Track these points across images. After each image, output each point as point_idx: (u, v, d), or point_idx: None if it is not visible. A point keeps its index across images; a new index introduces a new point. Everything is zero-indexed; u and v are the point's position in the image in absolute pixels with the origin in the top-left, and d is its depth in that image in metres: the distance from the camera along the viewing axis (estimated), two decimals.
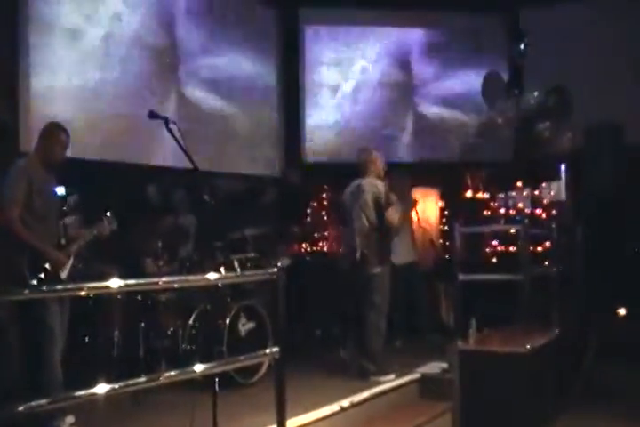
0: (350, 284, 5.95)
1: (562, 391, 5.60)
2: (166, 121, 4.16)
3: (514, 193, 8.52)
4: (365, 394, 5.06)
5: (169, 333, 5.53)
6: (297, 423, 4.22)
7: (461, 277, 5.85)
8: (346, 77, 9.62)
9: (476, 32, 9.76)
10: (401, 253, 6.86)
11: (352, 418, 4.81)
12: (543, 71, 8.80)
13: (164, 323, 5.55)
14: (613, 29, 8.73)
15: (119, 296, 5.39)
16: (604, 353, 6.14)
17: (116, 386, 2.77)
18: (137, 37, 7.41)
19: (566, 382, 5.69)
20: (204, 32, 8.23)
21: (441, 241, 8.17)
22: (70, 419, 4.16)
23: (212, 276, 3.70)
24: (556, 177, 8.33)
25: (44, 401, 2.54)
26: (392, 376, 5.60)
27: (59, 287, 3.60)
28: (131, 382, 2.87)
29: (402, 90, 9.75)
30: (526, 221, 6.83)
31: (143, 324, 5.36)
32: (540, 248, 7.32)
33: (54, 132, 4.49)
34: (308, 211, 8.89)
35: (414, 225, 7.43)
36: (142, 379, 2.98)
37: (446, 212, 8.72)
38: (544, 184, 8.40)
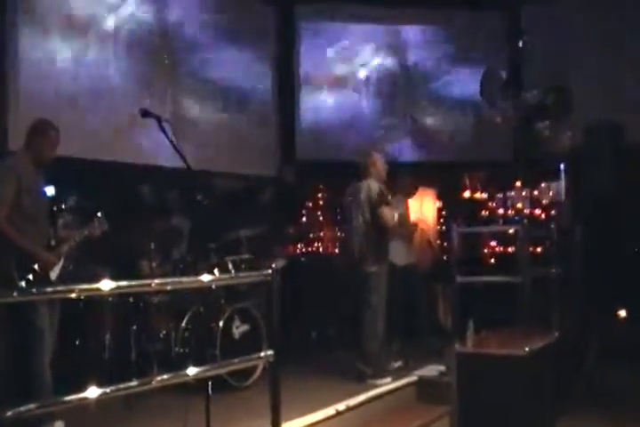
0: (347, 284, 5.96)
1: (561, 394, 5.60)
2: (158, 119, 4.15)
3: (512, 193, 8.52)
4: (361, 397, 5.05)
5: (161, 335, 5.51)
6: None
7: (459, 278, 5.85)
8: (343, 75, 9.61)
9: (475, 30, 9.76)
10: (401, 254, 6.87)
11: (348, 422, 4.80)
12: (542, 70, 8.80)
13: (157, 325, 5.54)
14: (614, 28, 8.74)
15: (110, 298, 5.37)
16: (604, 355, 6.14)
17: (108, 390, 2.75)
18: (131, 35, 7.40)
19: (566, 384, 5.68)
20: (200, 30, 8.22)
21: (438, 242, 8.16)
22: (60, 424, 4.14)
23: (205, 277, 3.68)
24: (556, 177, 8.34)
25: (32, 406, 2.52)
26: (389, 379, 5.60)
27: (48, 289, 3.59)
28: (122, 385, 2.85)
29: (399, 88, 9.74)
30: (525, 221, 6.83)
31: (135, 326, 5.34)
32: (539, 249, 7.32)
33: (43, 129, 4.45)
34: (304, 211, 8.88)
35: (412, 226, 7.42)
36: (134, 383, 2.96)
37: (444, 212, 8.71)
38: (543, 184, 8.41)
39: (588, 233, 6.89)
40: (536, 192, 8.36)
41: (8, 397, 4.05)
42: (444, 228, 8.38)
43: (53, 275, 4.32)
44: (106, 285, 2.83)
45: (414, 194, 7.41)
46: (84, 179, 6.53)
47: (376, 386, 5.41)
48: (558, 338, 5.67)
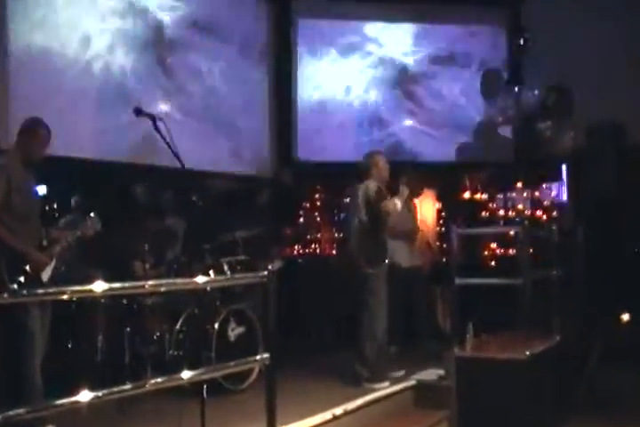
0: (344, 285, 5.97)
1: (563, 399, 5.59)
2: (153, 118, 4.14)
3: (513, 194, 8.53)
4: (359, 402, 5.04)
5: (155, 338, 5.50)
6: None
7: (458, 280, 5.84)
8: (340, 74, 9.60)
9: (475, 28, 9.77)
10: (404, 256, 6.88)
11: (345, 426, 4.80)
12: (544, 69, 8.81)
13: (151, 328, 5.52)
14: (615, 28, 8.75)
15: (103, 300, 5.36)
16: (607, 358, 6.13)
17: (100, 394, 2.74)
18: (124, 32, 7.39)
19: (567, 388, 5.67)
20: (194, 27, 8.21)
21: (438, 243, 8.16)
22: None
23: (200, 279, 3.67)
24: (557, 178, 8.34)
25: (22, 410, 2.50)
26: (386, 384, 5.58)
27: (40, 291, 3.57)
28: (115, 389, 2.84)
29: (398, 87, 9.74)
30: (526, 222, 6.83)
31: (128, 329, 5.32)
32: (539, 251, 7.31)
33: (34, 127, 4.43)
34: (301, 212, 8.88)
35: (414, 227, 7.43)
36: (127, 386, 2.95)
37: (443, 213, 8.71)
38: (544, 185, 8.41)
39: (590, 234, 6.89)
40: (537, 193, 8.36)
41: None
42: (443, 229, 8.38)
43: (45, 276, 4.30)
44: (98, 286, 2.82)
45: (420, 194, 7.43)
46: (76, 178, 6.53)
47: (374, 390, 5.40)
48: (559, 342, 5.66)
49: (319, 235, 8.86)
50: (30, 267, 4.21)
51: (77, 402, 2.64)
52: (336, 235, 8.82)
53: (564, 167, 8.56)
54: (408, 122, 9.69)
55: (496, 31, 9.81)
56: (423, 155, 9.54)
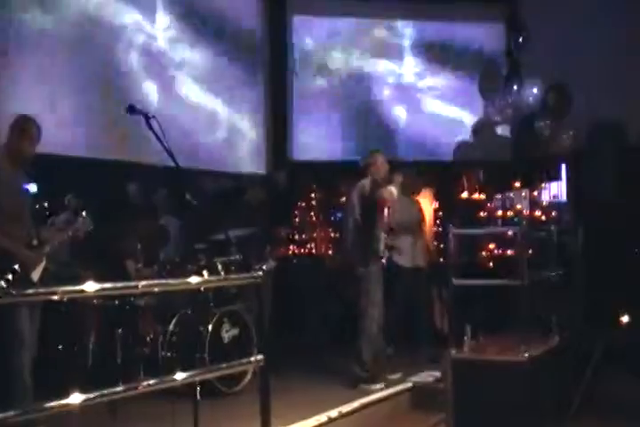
0: (340, 285, 6.01)
1: (562, 402, 5.59)
2: (146, 116, 4.13)
3: (512, 194, 8.52)
4: (355, 404, 5.05)
5: (148, 339, 5.51)
6: None
7: (455, 281, 5.84)
8: (336, 72, 9.60)
9: (473, 25, 9.78)
10: (407, 256, 6.90)
11: None
12: (543, 67, 8.81)
13: (143, 329, 5.52)
14: (615, 25, 8.76)
15: (95, 301, 5.35)
16: (606, 361, 6.14)
17: (92, 396, 2.73)
18: (116, 29, 7.37)
19: (566, 391, 5.68)
20: (187, 24, 8.20)
21: (435, 244, 8.16)
22: None
23: (193, 279, 3.67)
24: (556, 177, 8.34)
25: (12, 413, 2.49)
26: (382, 385, 5.60)
27: (30, 291, 3.56)
28: (107, 391, 2.84)
29: (395, 85, 9.74)
30: (524, 223, 6.83)
31: (120, 330, 5.31)
32: (537, 251, 7.32)
33: (24, 125, 4.41)
34: (296, 212, 8.88)
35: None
36: (119, 388, 2.95)
37: (441, 213, 8.71)
38: (543, 185, 8.41)
39: (590, 235, 6.90)
40: (536, 193, 8.36)
41: None
42: (440, 229, 8.38)
43: (35, 276, 4.29)
44: (90, 286, 2.82)
45: (420, 193, 7.46)
46: (68, 177, 6.52)
47: (369, 392, 5.40)
48: (559, 344, 5.66)
49: (315, 235, 8.86)
50: (20, 266, 4.19)
51: (68, 405, 2.63)
52: (332, 235, 8.83)
53: (563, 167, 8.57)
54: (406, 120, 9.69)
55: (495, 29, 9.82)
56: (420, 153, 9.55)
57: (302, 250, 8.74)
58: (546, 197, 8.43)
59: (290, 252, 8.55)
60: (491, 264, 8.39)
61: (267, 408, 3.41)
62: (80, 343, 5.34)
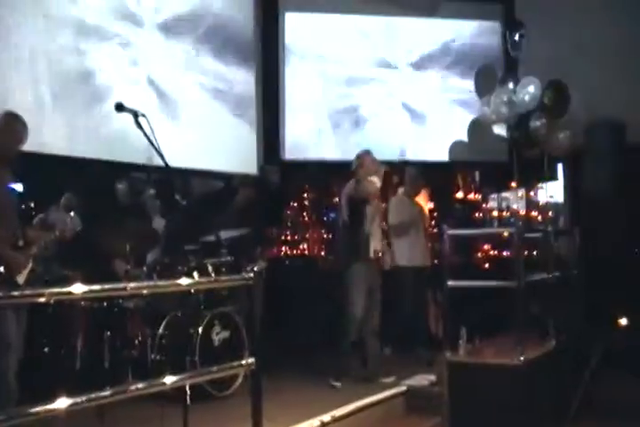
0: (331, 286, 6.10)
1: (559, 405, 5.60)
2: (135, 114, 4.11)
3: (508, 194, 8.53)
4: (348, 408, 5.05)
5: (137, 342, 5.49)
6: None
7: (450, 283, 5.84)
8: (330, 70, 9.59)
9: (470, 23, 9.79)
10: (407, 256, 6.91)
11: None
12: (540, 66, 8.82)
13: (132, 331, 5.51)
14: (614, 25, 8.78)
15: (82, 303, 5.33)
16: (604, 363, 6.15)
17: (79, 400, 2.71)
18: (108, 26, 7.35)
19: (564, 395, 5.69)
20: (178, 21, 8.18)
21: (430, 244, 8.16)
22: None
23: (183, 281, 3.66)
24: (553, 177, 8.36)
25: None
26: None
27: (16, 293, 3.53)
28: (94, 395, 2.82)
29: (390, 84, 9.74)
30: (521, 223, 6.84)
31: (109, 332, 5.29)
32: (535, 252, 7.34)
33: (9, 122, 4.38)
34: (288, 212, 8.88)
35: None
36: (107, 392, 2.93)
37: (436, 213, 8.72)
38: (540, 185, 8.43)
39: (588, 236, 6.91)
40: (532, 193, 8.38)
41: None
42: (435, 230, 8.39)
43: (21, 278, 4.26)
44: (78, 288, 2.80)
45: (419, 193, 7.49)
46: (54, 176, 6.50)
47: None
48: (556, 346, 5.67)
49: (307, 235, 8.86)
50: (5, 268, 4.17)
51: (55, 409, 2.61)
52: (325, 235, 8.83)
53: (560, 166, 8.58)
54: (399, 120, 9.69)
55: (491, 27, 9.83)
56: (414, 154, 9.55)
57: (294, 251, 8.74)
58: (542, 198, 8.45)
59: (282, 253, 8.55)
60: (486, 265, 8.41)
61: (258, 412, 3.40)
62: (67, 346, 5.31)
